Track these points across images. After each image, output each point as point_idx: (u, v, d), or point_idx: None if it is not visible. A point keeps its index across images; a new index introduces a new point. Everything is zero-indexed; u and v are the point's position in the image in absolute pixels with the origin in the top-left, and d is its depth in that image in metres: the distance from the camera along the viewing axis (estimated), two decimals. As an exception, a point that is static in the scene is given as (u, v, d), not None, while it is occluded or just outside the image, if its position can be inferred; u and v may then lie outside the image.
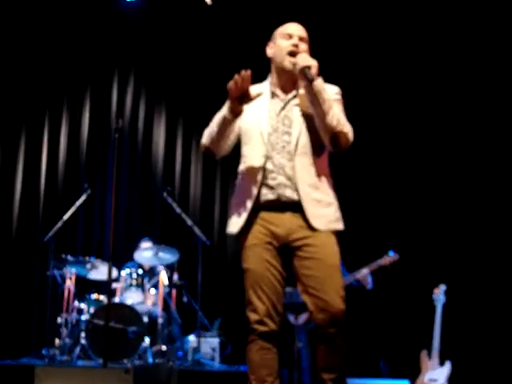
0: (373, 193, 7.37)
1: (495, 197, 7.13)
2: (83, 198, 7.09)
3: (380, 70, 7.54)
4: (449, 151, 7.36)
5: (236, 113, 3.19)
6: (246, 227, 3.21)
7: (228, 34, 8.42)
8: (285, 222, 3.16)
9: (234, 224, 3.25)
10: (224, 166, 8.70)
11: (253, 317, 3.17)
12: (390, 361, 6.50)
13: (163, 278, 6.93)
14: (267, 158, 3.19)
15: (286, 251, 3.18)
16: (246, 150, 3.31)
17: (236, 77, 3.16)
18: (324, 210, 3.17)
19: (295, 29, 3.30)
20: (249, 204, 3.18)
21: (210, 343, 7.03)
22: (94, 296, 6.86)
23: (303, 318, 6.17)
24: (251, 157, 3.24)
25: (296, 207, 3.15)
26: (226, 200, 8.69)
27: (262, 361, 3.14)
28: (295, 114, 3.23)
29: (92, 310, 6.63)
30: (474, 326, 6.84)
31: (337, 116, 3.15)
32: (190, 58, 8.57)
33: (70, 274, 6.80)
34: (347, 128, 3.18)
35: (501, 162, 7.16)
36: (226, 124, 3.20)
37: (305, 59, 3.12)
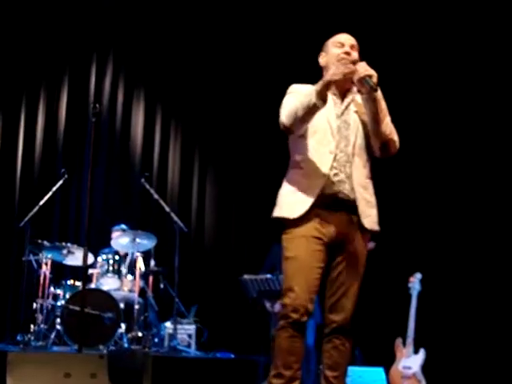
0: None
1: (470, 185, 7.18)
2: (60, 183, 7.02)
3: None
4: (429, 142, 7.40)
5: (325, 100, 3.23)
6: (301, 216, 3.26)
7: (208, 18, 8.40)
8: (338, 222, 3.26)
9: (294, 210, 3.27)
10: (202, 151, 8.69)
11: (290, 303, 3.20)
12: (365, 348, 6.53)
13: (140, 264, 6.91)
14: (334, 154, 3.29)
15: (333, 248, 3.28)
16: (312, 143, 3.34)
17: (350, 64, 3.25)
18: (371, 211, 3.36)
19: (346, 38, 3.45)
20: (313, 195, 3.24)
21: (187, 330, 7.04)
22: (70, 282, 6.82)
23: (279, 305, 6.18)
24: (319, 150, 3.30)
25: (349, 206, 3.27)
26: (204, 187, 8.69)
27: (290, 348, 3.20)
28: (352, 119, 3.37)
29: (68, 295, 6.59)
30: (448, 314, 6.91)
31: (390, 124, 3.38)
32: (169, 42, 8.54)
33: (46, 260, 6.75)
34: (396, 136, 3.42)
35: (477, 154, 7.22)
36: (314, 110, 3.20)
37: (365, 68, 3.24)
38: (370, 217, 3.34)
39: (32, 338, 6.38)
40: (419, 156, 7.38)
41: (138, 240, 6.97)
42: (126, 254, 7.32)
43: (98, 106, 4.96)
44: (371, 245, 5.71)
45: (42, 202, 6.88)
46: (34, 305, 6.61)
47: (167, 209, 7.11)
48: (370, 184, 3.40)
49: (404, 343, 5.76)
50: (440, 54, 7.51)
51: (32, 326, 6.51)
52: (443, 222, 7.22)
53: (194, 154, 8.69)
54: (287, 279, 3.25)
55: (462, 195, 7.22)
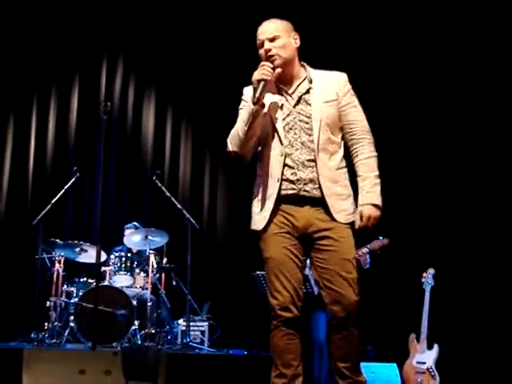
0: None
1: (481, 183, 7.15)
2: (72, 181, 7.04)
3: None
4: (433, 142, 7.38)
5: (261, 103, 3.20)
6: (266, 224, 3.27)
7: (217, 19, 8.39)
8: (304, 215, 3.23)
9: (258, 222, 3.31)
10: (213, 149, 8.69)
11: (276, 303, 3.21)
12: (378, 344, 6.52)
13: (152, 261, 6.92)
14: (288, 154, 3.24)
15: (306, 242, 3.26)
16: (265, 149, 3.31)
17: (267, 65, 3.24)
18: (344, 204, 3.26)
19: (262, 32, 3.34)
20: (270, 202, 3.25)
21: (199, 327, 7.05)
22: (83, 279, 6.85)
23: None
24: (271, 155, 3.27)
25: (315, 201, 3.23)
26: (216, 184, 8.69)
27: (286, 346, 3.20)
28: (313, 110, 3.27)
29: (81, 293, 6.62)
30: (461, 309, 6.89)
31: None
32: (179, 41, 8.54)
33: (59, 258, 6.78)
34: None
35: (485, 154, 7.19)
36: (254, 118, 3.18)
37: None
38: (343, 211, 3.25)
39: (46, 335, 6.41)
40: (432, 153, 7.36)
41: (150, 237, 6.99)
42: (139, 252, 7.34)
43: (108, 104, 4.96)
44: (385, 241, 5.72)
45: (54, 200, 6.89)
46: (48, 303, 6.63)
47: (179, 206, 7.12)
48: (341, 175, 3.29)
49: (418, 339, 5.75)
50: (436, 52, 7.48)
51: (46, 324, 6.53)
52: (456, 217, 7.20)
53: (205, 151, 8.70)
54: (270, 280, 3.25)
55: (475, 191, 7.18)
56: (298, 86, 3.32)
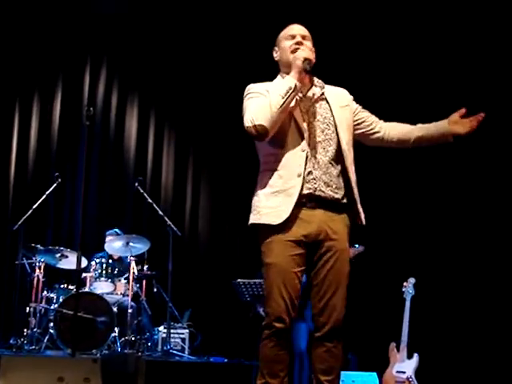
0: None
1: (463, 193, 7.19)
2: (53, 186, 7.00)
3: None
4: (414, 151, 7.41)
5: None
6: (284, 221, 3.15)
7: (201, 23, 8.40)
8: (316, 220, 3.17)
9: (276, 216, 3.14)
10: (196, 155, 8.70)
11: (272, 313, 3.14)
12: (358, 353, 6.53)
13: (133, 268, 6.90)
14: (308, 151, 3.18)
15: (312, 249, 3.20)
16: (282, 142, 3.21)
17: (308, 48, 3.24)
18: (360, 207, 3.30)
19: (297, 29, 3.37)
20: (293, 197, 3.13)
21: (180, 334, 7.04)
22: (64, 285, 6.80)
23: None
24: (290, 150, 3.19)
25: (328, 204, 3.19)
26: (198, 191, 8.69)
27: (276, 357, 3.15)
28: (326, 112, 3.29)
29: (61, 299, 6.57)
30: (442, 319, 6.92)
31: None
32: (162, 47, 8.54)
33: (40, 263, 6.73)
34: None
35: (466, 161, 7.24)
36: (292, 97, 3.14)
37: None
38: (361, 213, 3.30)
39: (25, 341, 6.36)
40: (413, 161, 7.39)
41: (131, 244, 6.97)
42: (120, 258, 7.32)
43: (91, 109, 4.94)
44: (360, 248, 5.74)
45: (35, 206, 6.85)
46: (27, 308, 6.58)
47: (160, 212, 7.10)
48: (354, 176, 3.30)
49: (398, 348, 5.76)
50: (432, 51, 7.52)
51: (25, 330, 6.49)
52: (436, 227, 7.24)
53: (188, 158, 8.70)
54: (268, 287, 3.18)
55: (455, 201, 7.23)
56: (310, 89, 3.32)
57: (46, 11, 8.25)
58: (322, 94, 3.32)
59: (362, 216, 3.30)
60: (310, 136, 3.21)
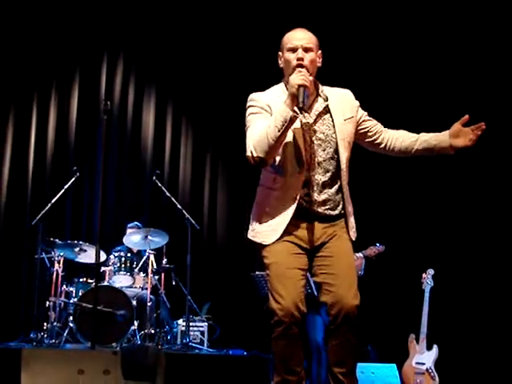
0: (360, 183, 7.38)
1: (480, 184, 7.15)
2: (72, 181, 7.03)
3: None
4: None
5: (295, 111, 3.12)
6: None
7: (218, 14, 8.39)
8: (313, 230, 3.22)
9: (265, 235, 3.24)
10: (213, 149, 8.69)
11: (279, 308, 3.14)
12: (378, 345, 6.52)
13: (152, 261, 6.92)
14: (305, 173, 3.19)
15: (311, 254, 3.25)
16: (282, 161, 3.21)
17: (304, 71, 3.14)
18: (353, 221, 3.32)
19: (299, 39, 3.25)
20: (284, 221, 3.19)
21: (199, 327, 7.05)
22: (83, 279, 6.84)
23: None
24: (287, 170, 3.19)
25: (326, 219, 3.23)
26: (216, 184, 8.68)
27: (289, 353, 3.16)
28: (330, 129, 3.25)
29: (80, 293, 6.61)
30: (461, 310, 6.88)
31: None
32: (179, 40, 8.53)
33: (59, 258, 6.76)
34: None
35: (483, 155, 7.18)
36: (289, 124, 3.08)
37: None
38: (353, 228, 3.32)
39: (45, 335, 6.40)
40: (428, 158, 7.35)
41: (150, 237, 6.99)
42: (139, 252, 7.34)
43: (108, 103, 4.95)
44: (381, 248, 5.72)
45: (53, 200, 6.88)
46: (47, 303, 6.62)
47: (179, 206, 7.12)
48: (348, 193, 3.31)
49: (417, 339, 5.75)
50: (432, 50, 7.48)
51: (45, 324, 6.52)
52: (455, 218, 7.19)
53: (206, 150, 8.69)
54: (272, 285, 3.18)
55: (475, 191, 7.18)
56: (313, 102, 3.27)
57: (63, 6, 8.26)
58: (326, 106, 3.26)
59: (352, 231, 3.30)
60: (311, 157, 3.20)
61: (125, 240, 7.13)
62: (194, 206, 8.37)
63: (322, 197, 3.21)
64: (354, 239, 3.31)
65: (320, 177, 3.21)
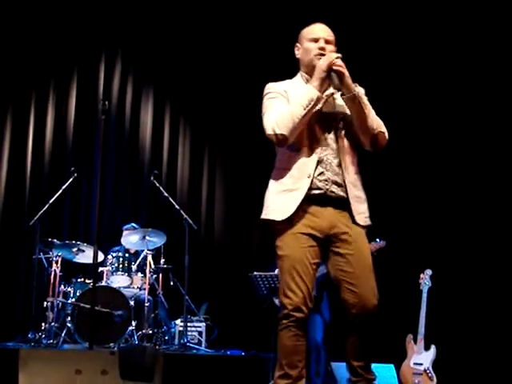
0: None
1: (479, 183, 7.15)
2: (70, 181, 7.03)
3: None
4: (438, 139, 7.38)
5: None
6: (289, 217, 3.24)
7: (216, 14, 8.39)
8: (327, 216, 3.26)
9: (280, 212, 3.25)
10: (211, 148, 8.69)
11: (289, 303, 3.20)
12: (375, 345, 6.51)
13: (150, 261, 6.91)
14: (319, 153, 3.27)
15: (326, 244, 3.27)
16: (295, 143, 3.28)
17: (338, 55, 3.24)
18: (362, 207, 3.34)
19: (321, 31, 3.38)
20: (298, 196, 3.22)
21: (197, 327, 7.05)
22: (80, 280, 6.84)
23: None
24: (302, 150, 3.27)
25: (339, 203, 3.27)
26: (214, 184, 8.68)
27: (294, 347, 3.21)
28: (336, 114, 3.33)
29: (78, 293, 6.61)
30: (459, 310, 6.88)
31: (376, 118, 3.33)
32: (177, 39, 8.53)
33: (56, 258, 6.76)
34: (384, 128, 3.36)
35: (482, 155, 7.20)
36: (315, 104, 3.19)
37: (329, 60, 3.20)
38: (362, 213, 3.33)
39: (43, 336, 6.40)
40: (429, 154, 7.36)
41: (147, 238, 6.98)
42: (136, 252, 7.34)
43: (106, 103, 4.95)
44: (382, 243, 5.72)
45: (51, 201, 6.89)
46: (45, 303, 6.62)
47: (177, 206, 7.12)
48: (358, 180, 3.36)
49: (415, 340, 5.75)
50: (435, 51, 7.47)
51: (43, 324, 6.53)
52: (454, 218, 7.20)
53: (204, 150, 8.69)
54: (283, 278, 3.24)
55: (473, 191, 7.19)
56: (325, 90, 3.34)
57: (59, 5, 8.26)
58: (331, 96, 3.35)
59: (359, 217, 3.31)
60: (324, 138, 3.29)
61: (123, 240, 7.12)
62: (192, 206, 8.37)
63: (336, 177, 3.27)
64: (364, 224, 3.32)
65: (332, 158, 3.28)
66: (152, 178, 7.24)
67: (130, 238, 7.09)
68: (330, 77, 3.19)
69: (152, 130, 8.58)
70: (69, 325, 6.42)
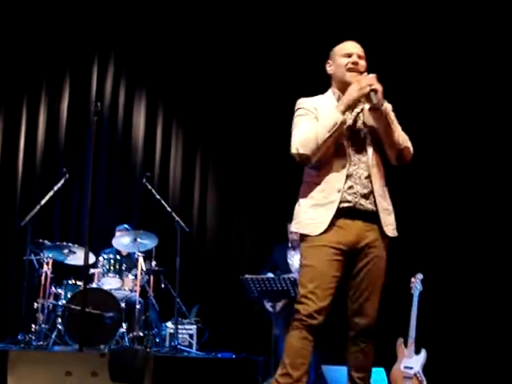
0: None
1: (470, 186, 7.18)
2: (61, 182, 7.01)
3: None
4: (427, 143, 7.40)
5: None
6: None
7: (209, 17, 8.41)
8: (355, 229, 3.32)
9: (314, 228, 3.31)
10: (204, 151, 8.69)
11: (304, 308, 3.27)
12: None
13: (141, 263, 6.90)
14: (348, 167, 3.33)
15: (352, 256, 3.35)
16: (324, 157, 3.34)
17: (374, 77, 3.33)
18: (390, 218, 3.46)
19: (354, 48, 3.47)
20: (330, 211, 3.29)
21: (188, 330, 7.05)
22: (71, 281, 6.81)
23: (280, 305, 6.18)
24: (331, 164, 3.34)
25: (368, 216, 3.35)
26: (206, 186, 8.68)
27: (301, 350, 3.27)
28: (366, 129, 3.41)
29: (69, 295, 6.58)
30: (449, 314, 6.90)
31: (402, 133, 3.43)
32: (170, 41, 8.53)
33: (47, 259, 6.74)
34: (409, 143, 3.46)
35: (476, 155, 7.22)
36: (338, 128, 3.27)
37: (368, 81, 3.28)
38: (390, 225, 3.43)
39: (33, 337, 6.38)
40: (419, 157, 7.36)
41: (139, 240, 6.97)
42: (128, 254, 7.32)
43: (99, 104, 4.95)
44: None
45: (43, 202, 6.86)
46: (35, 304, 6.59)
47: (168, 208, 7.11)
48: (386, 192, 3.45)
49: (405, 343, 5.76)
50: (445, 61, 7.49)
51: (33, 326, 6.50)
52: (444, 222, 7.22)
53: (196, 153, 8.69)
54: (302, 286, 3.30)
55: (463, 196, 7.21)
56: (356, 105, 3.41)
57: (52, 7, 8.24)
58: (361, 111, 3.44)
59: (388, 228, 3.43)
60: (353, 152, 3.36)
61: (114, 242, 7.10)
62: (184, 209, 8.36)
63: (364, 190, 3.33)
64: (391, 236, 3.45)
65: (362, 171, 3.35)
66: (144, 180, 7.23)
67: (122, 240, 7.08)
68: (369, 96, 3.26)
69: (144, 131, 8.57)
70: (59, 326, 6.40)
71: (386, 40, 7.62)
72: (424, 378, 5.57)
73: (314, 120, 3.37)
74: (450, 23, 7.44)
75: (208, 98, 8.56)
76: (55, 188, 6.98)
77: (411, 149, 3.46)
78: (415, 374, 5.58)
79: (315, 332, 3.27)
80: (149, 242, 7.04)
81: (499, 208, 7.07)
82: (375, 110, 3.30)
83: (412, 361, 5.65)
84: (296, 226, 3.41)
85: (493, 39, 7.24)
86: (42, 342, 6.34)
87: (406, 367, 5.65)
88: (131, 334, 6.59)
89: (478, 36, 7.31)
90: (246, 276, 5.66)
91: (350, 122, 3.38)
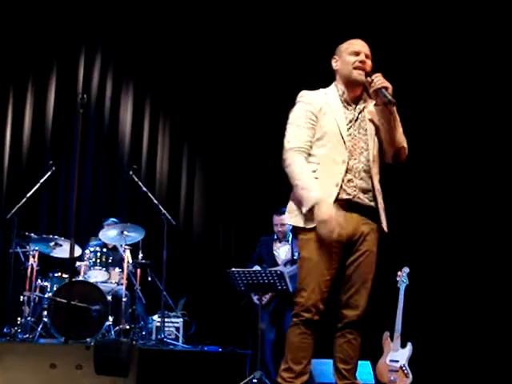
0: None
1: (457, 183, 7.21)
2: (47, 175, 6.98)
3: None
4: (416, 140, 7.40)
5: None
6: None
7: (196, 10, 8.39)
8: (352, 222, 3.36)
9: (309, 221, 3.30)
10: (191, 144, 8.67)
11: (301, 303, 3.33)
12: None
13: (128, 256, 6.89)
14: (347, 161, 3.36)
15: (348, 248, 3.39)
16: (323, 151, 3.39)
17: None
18: (383, 214, 3.52)
19: (362, 46, 3.52)
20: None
21: (174, 323, 7.04)
22: (58, 274, 6.79)
23: (267, 298, 6.18)
24: (331, 159, 3.37)
25: (365, 210, 3.41)
26: (193, 179, 8.66)
27: (300, 344, 3.34)
28: (368, 126, 3.47)
29: (55, 288, 6.56)
30: (435, 308, 6.93)
31: (401, 133, 3.50)
32: (158, 34, 8.50)
33: (33, 252, 6.71)
34: (406, 143, 3.54)
35: (461, 155, 7.25)
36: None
37: (380, 79, 3.36)
38: (384, 220, 3.50)
39: (19, 330, 6.36)
40: (410, 153, 7.38)
41: (126, 233, 6.95)
42: (114, 247, 7.30)
43: (85, 96, 4.92)
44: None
45: (29, 194, 6.83)
46: (21, 297, 6.56)
47: (155, 201, 7.10)
48: (380, 188, 3.50)
49: (391, 337, 5.78)
50: (444, 62, 7.50)
51: (19, 319, 6.48)
52: (431, 216, 7.24)
53: (183, 146, 8.67)
54: (300, 279, 3.36)
55: (448, 191, 7.24)
56: (358, 102, 3.51)
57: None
58: (363, 109, 3.50)
59: (384, 224, 3.50)
60: (353, 147, 3.39)
61: (101, 235, 7.08)
62: (171, 202, 8.34)
63: (364, 185, 3.38)
64: (386, 230, 3.51)
65: (362, 165, 3.39)
66: (131, 173, 7.21)
67: (109, 233, 7.05)
68: (381, 93, 3.32)
69: (131, 124, 8.54)
70: (45, 319, 6.38)
71: (386, 40, 7.62)
72: (410, 372, 5.59)
73: (310, 128, 3.39)
74: (450, 23, 7.44)
75: (195, 91, 8.54)
76: (41, 180, 6.95)
77: (407, 150, 3.54)
78: (401, 368, 5.61)
79: (314, 325, 3.32)
80: (135, 235, 7.02)
81: (484, 203, 7.10)
82: (386, 106, 3.35)
83: (398, 354, 5.68)
84: (292, 220, 3.41)
85: (493, 39, 7.24)
86: (27, 335, 6.33)
87: (391, 360, 5.68)
88: (117, 327, 6.58)
89: (477, 36, 7.31)
90: (233, 269, 5.65)
91: (352, 116, 3.43)
